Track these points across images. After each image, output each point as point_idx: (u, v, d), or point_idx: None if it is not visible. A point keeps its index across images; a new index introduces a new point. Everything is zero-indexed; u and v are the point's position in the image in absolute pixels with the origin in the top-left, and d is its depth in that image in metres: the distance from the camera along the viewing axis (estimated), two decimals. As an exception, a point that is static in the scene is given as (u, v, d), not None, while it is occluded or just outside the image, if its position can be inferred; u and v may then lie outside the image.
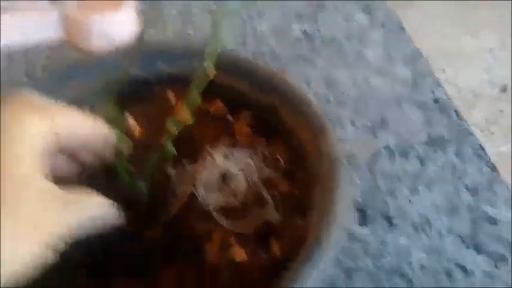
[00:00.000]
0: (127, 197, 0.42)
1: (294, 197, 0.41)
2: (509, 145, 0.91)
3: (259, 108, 0.45)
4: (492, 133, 1.01)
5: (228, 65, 0.45)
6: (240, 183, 0.42)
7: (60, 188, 0.30)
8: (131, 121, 0.45)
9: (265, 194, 0.41)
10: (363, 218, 0.58)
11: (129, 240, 0.42)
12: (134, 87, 0.48)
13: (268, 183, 0.42)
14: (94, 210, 0.32)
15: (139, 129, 0.46)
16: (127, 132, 0.45)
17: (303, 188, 0.41)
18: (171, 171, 0.43)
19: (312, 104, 0.41)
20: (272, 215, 0.40)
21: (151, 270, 0.40)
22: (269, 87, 0.44)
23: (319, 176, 0.39)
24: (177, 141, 0.45)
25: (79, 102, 0.44)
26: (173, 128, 0.35)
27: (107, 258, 0.39)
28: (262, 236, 0.40)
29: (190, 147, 0.45)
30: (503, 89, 0.95)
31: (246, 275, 0.37)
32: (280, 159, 0.42)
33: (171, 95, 0.47)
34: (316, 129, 0.40)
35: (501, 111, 0.96)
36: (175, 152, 0.37)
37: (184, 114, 0.46)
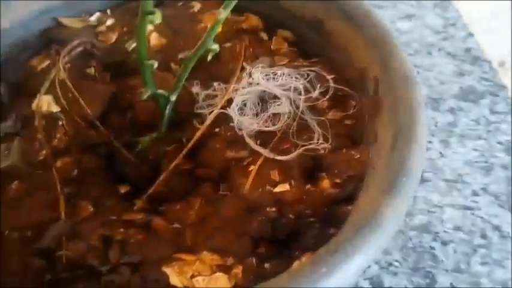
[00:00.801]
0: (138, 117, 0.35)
1: (346, 127, 0.34)
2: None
3: (301, 24, 0.38)
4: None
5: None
6: (281, 107, 0.35)
7: None
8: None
9: (311, 120, 0.34)
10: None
11: (144, 166, 0.35)
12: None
13: (314, 108, 0.35)
14: None
15: (158, 37, 0.38)
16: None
17: (357, 117, 0.34)
18: (197, 90, 0.36)
19: (371, 14, 0.34)
20: (320, 144, 0.33)
21: (169, 200, 0.33)
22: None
23: (384, 101, 0.32)
24: (206, 60, 0.37)
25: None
26: (223, 14, 0.28)
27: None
28: (309, 170, 0.33)
29: (220, 67, 0.38)
30: (502, 64, 0.89)
31: (292, 211, 0.31)
32: (330, 81, 0.35)
33: (196, 3, 0.40)
34: (379, 44, 0.33)
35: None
36: (218, 49, 0.30)
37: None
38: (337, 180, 0.32)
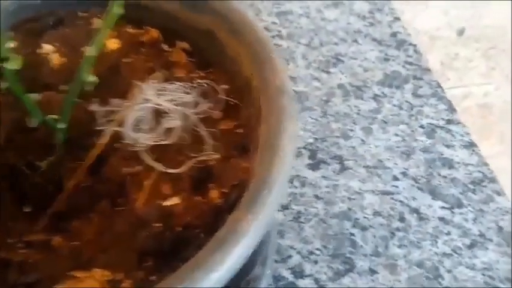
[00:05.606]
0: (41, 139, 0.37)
1: (237, 136, 0.36)
2: (463, 89, 0.88)
3: (195, 35, 0.40)
4: (448, 79, 0.98)
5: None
6: (174, 120, 0.36)
7: None
8: (48, 47, 0.39)
9: (203, 132, 0.36)
10: (314, 161, 0.55)
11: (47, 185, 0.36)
12: (54, 10, 0.41)
13: (207, 120, 0.37)
14: None
15: (59, 57, 0.39)
16: (42, 60, 0.39)
17: (247, 126, 0.36)
18: (95, 108, 0.38)
19: (255, 28, 0.36)
20: (210, 155, 0.35)
21: (71, 217, 0.35)
22: (204, 6, 0.38)
23: (265, 112, 0.34)
24: (106, 76, 0.39)
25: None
26: (91, 51, 0.29)
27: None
28: (199, 181, 0.35)
29: (119, 82, 0.39)
30: (460, 32, 0.91)
31: (179, 224, 0.33)
32: (221, 92, 0.37)
33: (96, 20, 0.41)
34: (261, 58, 0.35)
35: (456, 54, 0.92)
36: (96, 80, 0.31)
37: (110, 41, 0.40)
38: (224, 190, 0.34)
